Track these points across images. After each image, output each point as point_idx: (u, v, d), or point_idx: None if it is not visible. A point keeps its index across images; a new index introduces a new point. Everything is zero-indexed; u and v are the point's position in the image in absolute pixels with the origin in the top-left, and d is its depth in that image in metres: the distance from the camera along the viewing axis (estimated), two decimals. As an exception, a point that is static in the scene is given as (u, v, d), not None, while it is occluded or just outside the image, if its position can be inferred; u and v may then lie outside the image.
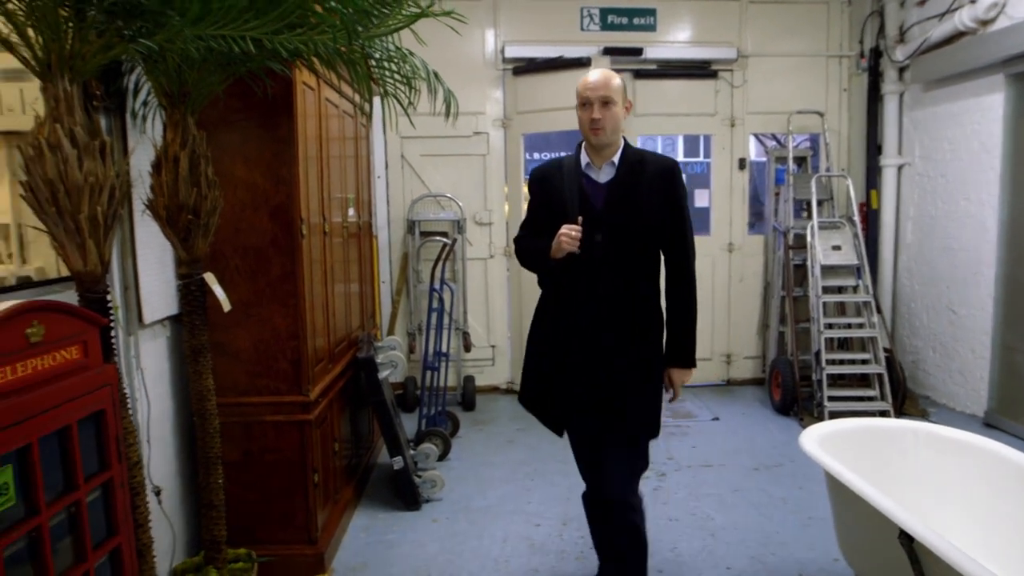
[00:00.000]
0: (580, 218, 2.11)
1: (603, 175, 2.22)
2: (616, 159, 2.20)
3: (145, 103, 2.34)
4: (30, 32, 1.55)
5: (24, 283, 2.20)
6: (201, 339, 2.14)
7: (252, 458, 2.71)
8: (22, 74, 2.18)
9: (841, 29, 5.20)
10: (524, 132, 5.18)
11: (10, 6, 1.51)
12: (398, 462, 3.32)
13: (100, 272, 1.65)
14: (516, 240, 2.40)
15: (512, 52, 5.01)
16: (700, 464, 3.87)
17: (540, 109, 5.02)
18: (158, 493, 2.42)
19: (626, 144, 2.24)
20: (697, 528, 3.12)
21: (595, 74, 2.18)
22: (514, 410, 4.85)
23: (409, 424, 4.21)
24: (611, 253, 2.16)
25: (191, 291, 2.11)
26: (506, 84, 5.12)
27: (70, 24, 1.59)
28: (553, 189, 2.26)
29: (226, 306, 2.25)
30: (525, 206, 5.05)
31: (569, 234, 2.08)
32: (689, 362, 2.30)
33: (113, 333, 1.70)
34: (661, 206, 2.18)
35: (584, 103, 2.16)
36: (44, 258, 2.31)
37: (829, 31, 5.19)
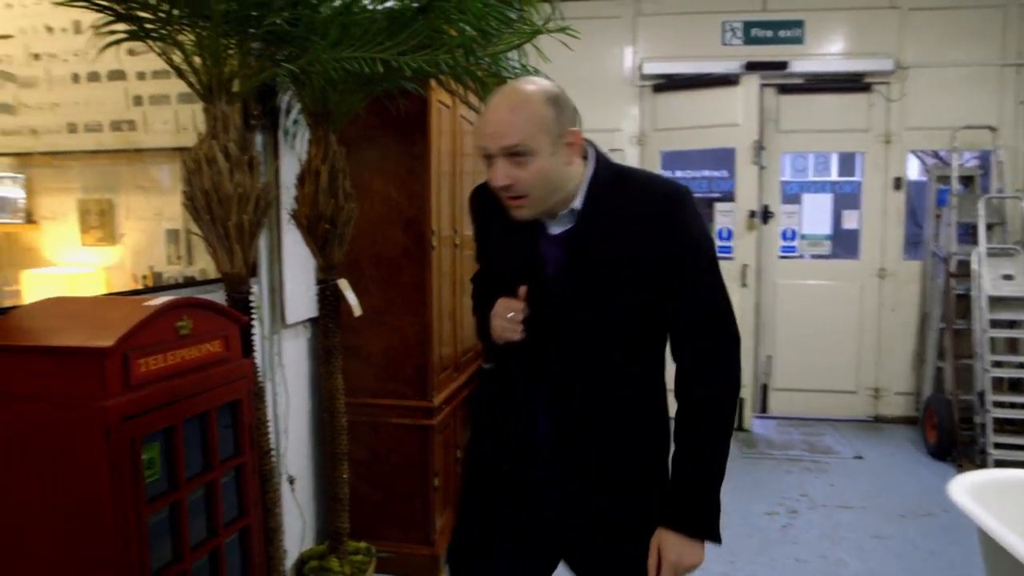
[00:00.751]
0: (522, 289, 1.40)
1: (557, 225, 1.42)
2: (578, 202, 1.40)
3: (295, 121, 2.55)
4: (196, 60, 1.74)
5: (187, 282, 2.46)
6: (333, 341, 2.29)
7: (378, 458, 2.84)
8: (193, 97, 2.44)
9: (1020, 35, 4.71)
10: (662, 150, 5.11)
11: (181, 38, 1.71)
12: (516, 474, 3.35)
13: (244, 274, 1.81)
14: (472, 280, 1.71)
15: (650, 69, 4.97)
16: (837, 505, 3.60)
17: (680, 127, 4.95)
18: (291, 482, 2.60)
19: (598, 169, 1.43)
20: (828, 573, 2.91)
21: (498, 106, 1.33)
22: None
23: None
24: (572, 341, 1.41)
25: (326, 296, 2.26)
26: (644, 101, 5.09)
27: (229, 51, 1.76)
28: (494, 227, 1.51)
29: (356, 311, 2.39)
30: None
31: (505, 317, 1.41)
32: (700, 526, 1.37)
33: (254, 331, 1.86)
34: (655, 262, 1.37)
35: (484, 156, 1.35)
36: (207, 261, 2.57)
37: (1005, 38, 4.72)
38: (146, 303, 1.44)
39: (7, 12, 2.59)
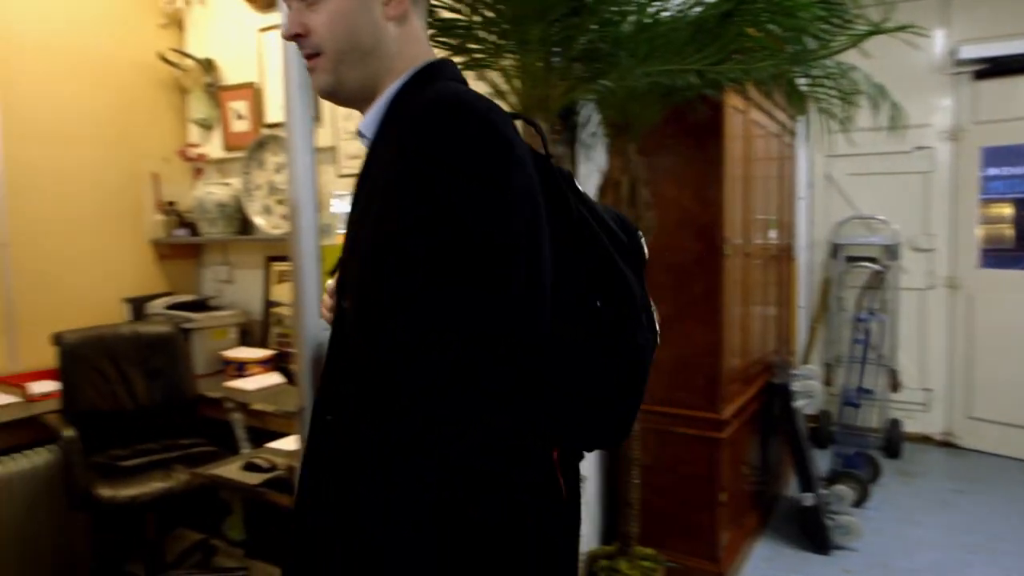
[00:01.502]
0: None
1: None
2: (372, 116, 1.04)
3: (593, 134, 2.65)
4: (516, 83, 1.89)
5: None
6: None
7: (664, 466, 2.84)
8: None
9: None
10: (983, 145, 4.44)
11: (505, 63, 1.87)
12: (808, 498, 3.13)
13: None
14: None
15: (969, 52, 4.35)
16: None
17: (1010, 118, 4.26)
18: (582, 481, 2.70)
19: (422, 70, 1.03)
20: None
21: None
22: (951, 467, 4.18)
23: (821, 461, 3.93)
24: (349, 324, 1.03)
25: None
26: (960, 90, 4.46)
27: (547, 73, 1.89)
28: None
29: (653, 319, 2.41)
30: (978, 231, 4.34)
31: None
32: None
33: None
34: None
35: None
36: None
37: None
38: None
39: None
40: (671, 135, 2.72)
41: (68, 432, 2.52)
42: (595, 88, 2.00)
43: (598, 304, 0.98)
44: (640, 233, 1.14)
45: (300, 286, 1.53)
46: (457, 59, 1.91)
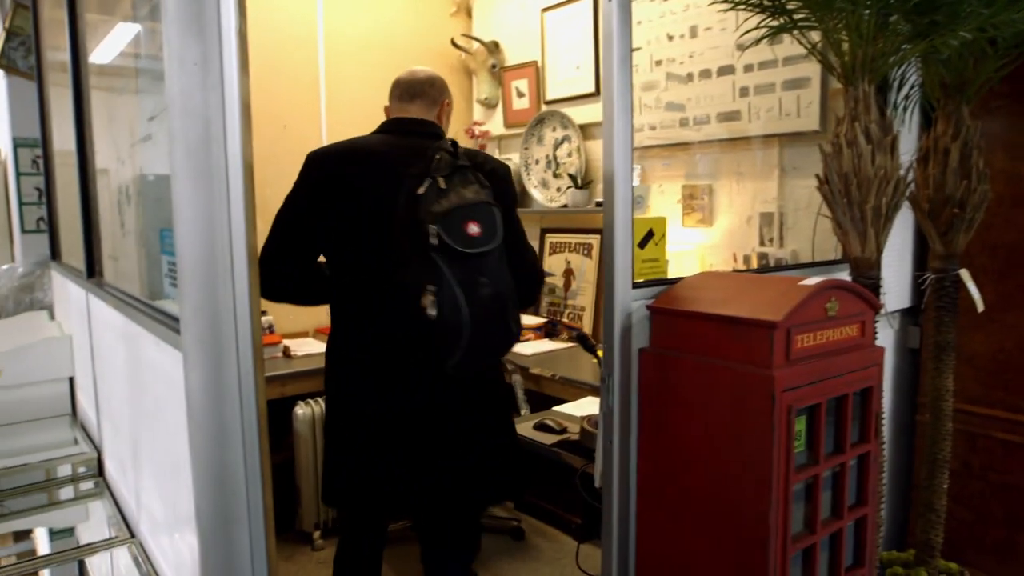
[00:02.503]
0: None
1: None
2: None
3: (906, 96, 2.37)
4: (842, 44, 1.74)
5: (781, 265, 2.54)
6: (947, 336, 2.08)
7: (971, 472, 2.52)
8: (799, 83, 2.48)
9: None
10: None
11: (832, 23, 1.73)
12: None
13: (875, 259, 1.76)
14: None
15: None
16: None
17: None
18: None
19: None
20: None
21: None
22: None
23: None
24: None
25: (944, 287, 2.06)
26: None
27: (876, 30, 1.72)
28: None
29: (980, 306, 2.13)
30: None
31: None
32: None
33: (877, 318, 1.80)
34: None
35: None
36: (798, 243, 2.61)
37: None
38: (801, 283, 1.51)
39: (637, 28, 3.04)
40: (1003, 95, 2.35)
41: None
42: (928, 45, 1.78)
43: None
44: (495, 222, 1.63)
45: (612, 255, 1.57)
46: (773, 23, 1.81)
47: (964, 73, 1.98)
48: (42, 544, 2.91)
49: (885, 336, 2.59)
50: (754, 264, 2.70)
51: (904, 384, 2.69)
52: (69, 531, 2.76)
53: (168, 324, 1.26)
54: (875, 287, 1.76)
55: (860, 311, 1.62)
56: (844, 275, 1.86)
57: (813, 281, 1.51)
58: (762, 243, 2.72)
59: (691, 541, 1.58)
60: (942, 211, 2.00)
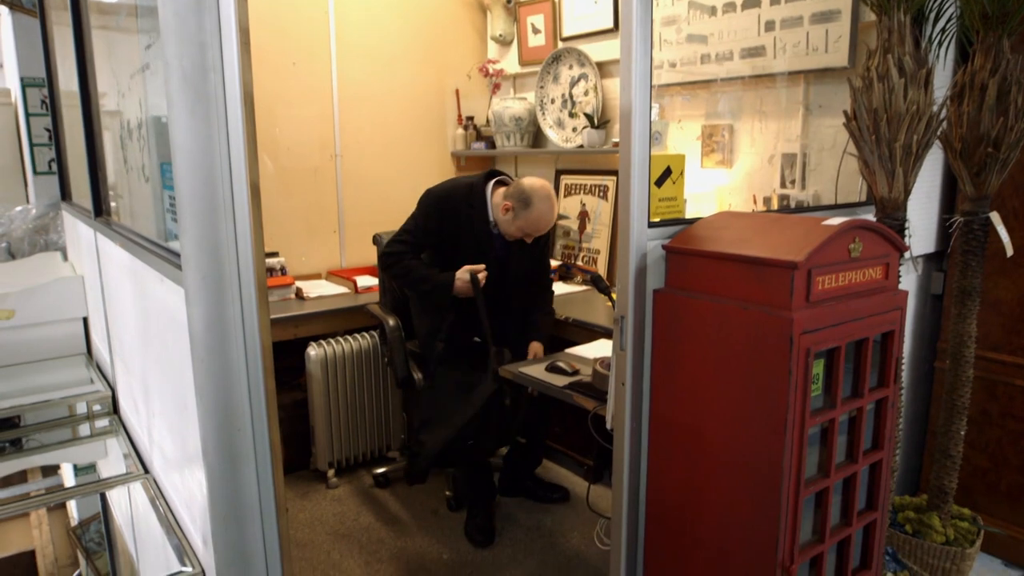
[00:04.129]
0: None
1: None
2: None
3: (943, 30, 2.25)
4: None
5: (802, 207, 2.46)
6: (973, 281, 2.02)
7: (989, 420, 2.48)
8: (829, 16, 2.36)
9: None
10: None
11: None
12: None
13: (902, 199, 1.69)
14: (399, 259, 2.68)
15: None
16: None
17: None
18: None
19: None
20: None
21: (552, 214, 2.55)
22: None
23: None
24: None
25: (972, 230, 1.99)
26: None
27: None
28: (457, 227, 2.64)
29: (1009, 250, 2.06)
30: None
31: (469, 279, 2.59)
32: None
33: (902, 261, 1.74)
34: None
35: (529, 234, 2.58)
36: (820, 185, 2.53)
37: None
38: (824, 222, 1.45)
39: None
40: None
41: (392, 321, 2.85)
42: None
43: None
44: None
45: (628, 193, 1.51)
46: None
47: (1008, 3, 1.86)
48: (68, 479, 2.98)
49: (908, 281, 2.52)
50: (775, 206, 2.62)
51: (925, 330, 2.64)
52: (92, 467, 2.82)
53: (170, 260, 1.23)
54: (900, 229, 1.70)
55: (885, 253, 1.57)
56: (869, 217, 1.80)
57: (837, 221, 1.45)
58: (783, 185, 2.64)
59: (703, 483, 1.57)
60: (975, 150, 1.91)
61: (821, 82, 2.50)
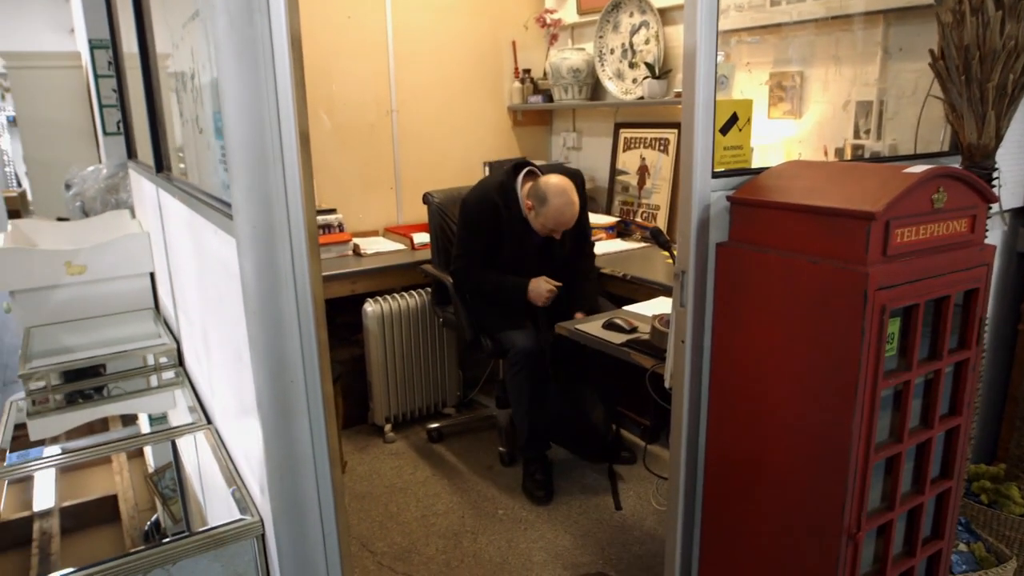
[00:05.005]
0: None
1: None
2: None
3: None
4: None
5: (879, 158, 2.32)
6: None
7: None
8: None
9: None
10: None
11: None
12: None
13: (992, 147, 1.56)
14: (471, 267, 2.75)
15: None
16: None
17: None
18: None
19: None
20: None
21: (572, 210, 2.58)
22: None
23: None
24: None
25: (1070, 180, 1.83)
26: None
27: None
28: (506, 227, 2.70)
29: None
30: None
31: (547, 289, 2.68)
32: None
33: (989, 213, 1.61)
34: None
35: (553, 229, 2.64)
36: (899, 134, 2.37)
37: None
38: (905, 170, 1.35)
39: None
40: None
41: (447, 279, 2.84)
42: None
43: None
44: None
45: (691, 140, 1.43)
46: None
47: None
48: (144, 429, 3.12)
49: (994, 236, 2.36)
50: (848, 157, 2.48)
51: (1008, 290, 2.48)
52: (164, 417, 2.94)
53: (223, 211, 1.23)
54: (989, 179, 1.57)
55: (972, 204, 1.45)
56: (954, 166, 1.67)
57: (919, 169, 1.34)
58: (857, 135, 2.48)
59: (765, 445, 1.51)
60: (1077, 92, 1.74)
61: (903, 22, 2.32)
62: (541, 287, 2.64)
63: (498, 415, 3.08)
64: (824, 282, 1.33)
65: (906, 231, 1.34)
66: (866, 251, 1.28)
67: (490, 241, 2.69)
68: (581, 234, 2.81)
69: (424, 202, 3.03)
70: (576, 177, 2.69)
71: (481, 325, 2.80)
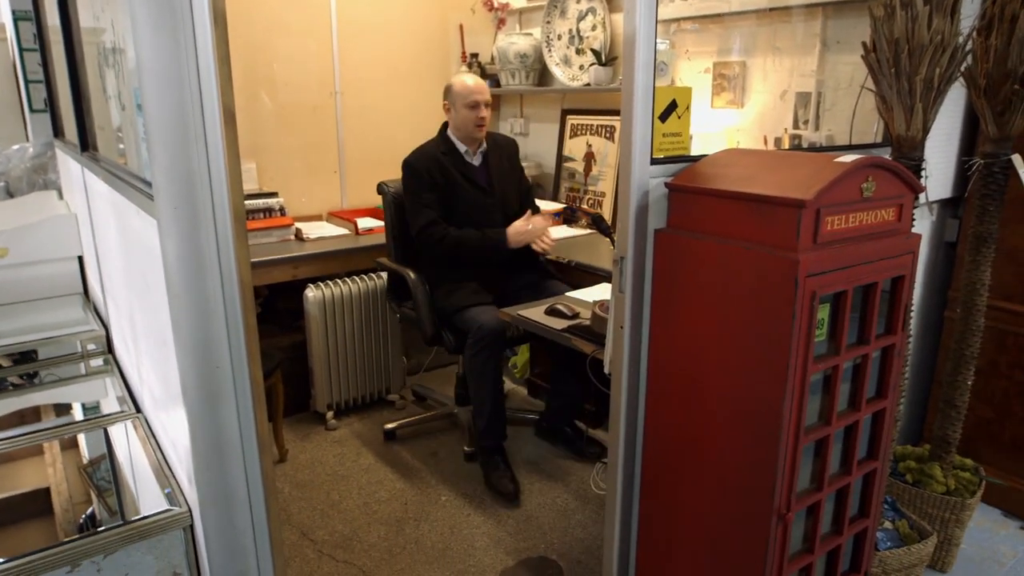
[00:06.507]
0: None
1: (475, 158, 2.77)
2: (485, 145, 2.79)
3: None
4: None
5: (815, 147, 2.37)
6: (990, 227, 1.94)
7: (996, 370, 2.43)
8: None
9: None
10: None
11: None
12: None
13: (920, 138, 1.61)
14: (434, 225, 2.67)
15: None
16: None
17: None
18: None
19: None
20: None
21: (475, 79, 2.70)
22: None
23: None
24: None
25: (992, 173, 1.90)
26: None
27: None
28: (439, 178, 2.68)
29: (1030, 193, 1.97)
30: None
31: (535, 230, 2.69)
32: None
33: (916, 204, 1.66)
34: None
35: (473, 105, 2.63)
36: (834, 126, 2.43)
37: None
38: (836, 160, 1.38)
39: None
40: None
41: (412, 274, 2.75)
42: None
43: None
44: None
45: (630, 127, 1.44)
46: None
47: (1043, -75, 1.74)
48: (79, 417, 3.00)
49: (921, 226, 2.44)
50: (786, 147, 2.53)
51: (936, 279, 2.57)
52: (96, 407, 2.83)
53: (144, 191, 1.18)
54: (917, 170, 1.62)
55: (899, 193, 1.49)
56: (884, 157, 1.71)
57: (849, 158, 1.37)
58: (796, 125, 2.54)
59: (701, 429, 1.53)
60: (1000, 88, 1.81)
61: (840, 16, 2.38)
62: (527, 227, 2.66)
63: (458, 412, 3.05)
64: (757, 268, 1.36)
65: (836, 219, 1.37)
66: (797, 238, 1.30)
67: (440, 193, 2.67)
68: (527, 195, 2.94)
69: (379, 192, 2.97)
70: (511, 145, 2.88)
71: (443, 312, 2.71)
